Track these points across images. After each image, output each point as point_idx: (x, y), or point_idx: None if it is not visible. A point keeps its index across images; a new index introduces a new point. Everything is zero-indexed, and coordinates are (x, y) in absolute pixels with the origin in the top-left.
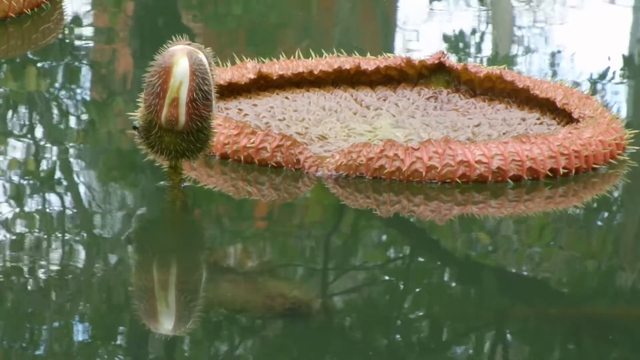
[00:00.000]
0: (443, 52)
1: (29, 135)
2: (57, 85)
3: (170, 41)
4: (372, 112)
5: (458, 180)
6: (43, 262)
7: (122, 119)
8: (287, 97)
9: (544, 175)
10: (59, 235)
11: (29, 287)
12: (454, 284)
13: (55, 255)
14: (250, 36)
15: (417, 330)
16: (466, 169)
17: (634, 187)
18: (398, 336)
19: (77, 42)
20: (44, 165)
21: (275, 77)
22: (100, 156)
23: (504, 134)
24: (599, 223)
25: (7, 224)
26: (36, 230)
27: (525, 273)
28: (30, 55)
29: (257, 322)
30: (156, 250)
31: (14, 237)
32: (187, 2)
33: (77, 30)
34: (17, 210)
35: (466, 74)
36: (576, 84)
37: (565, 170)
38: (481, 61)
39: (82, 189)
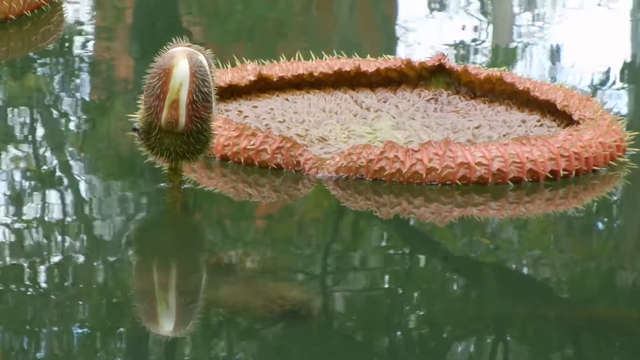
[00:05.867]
0: (443, 54)
1: (29, 137)
2: (57, 87)
3: (170, 43)
4: (372, 114)
5: (458, 182)
6: (43, 264)
7: (122, 120)
8: (287, 99)
9: (544, 177)
10: (59, 236)
11: (29, 290)
12: (454, 286)
13: (55, 257)
14: (251, 38)
15: (417, 332)
16: (466, 170)
17: (634, 189)
18: (398, 338)
19: (77, 44)
20: (44, 167)
21: (275, 79)
22: (100, 158)
23: (504, 135)
24: (599, 225)
25: (7, 226)
26: (36, 232)
27: (525, 275)
28: (30, 57)
29: (257, 324)
30: (156, 252)
31: (14, 238)
32: (188, 3)
33: (77, 32)
34: (17, 211)
35: (466, 75)
36: (576, 86)
37: (566, 172)
38: (481, 63)
39: (82, 191)
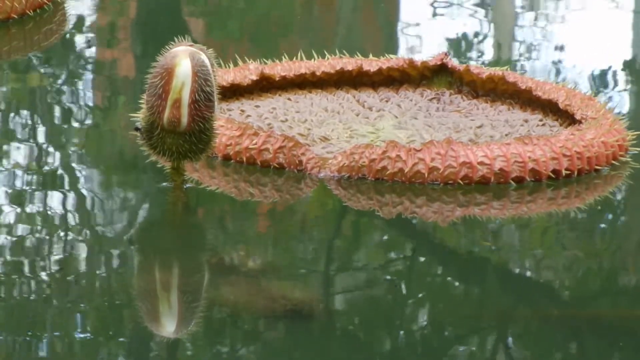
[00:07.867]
0: (445, 54)
1: (31, 137)
2: (59, 86)
3: (172, 42)
4: (375, 114)
5: (460, 181)
6: (45, 263)
7: (125, 120)
8: (289, 99)
9: (546, 177)
10: (61, 236)
11: (31, 288)
12: (456, 285)
13: (58, 256)
14: (253, 37)
15: (419, 331)
16: (468, 170)
17: (636, 188)
18: (400, 337)
19: (79, 44)
20: (46, 166)
21: (277, 79)
22: (103, 157)
23: (506, 135)
24: (601, 224)
25: (9, 225)
26: (38, 231)
27: (527, 274)
28: (32, 57)
29: (259, 323)
30: (158, 252)
31: (16, 238)
32: (190, 3)
33: (79, 32)
34: (20, 211)
35: (468, 75)
36: (578, 85)
37: (568, 172)
38: (483, 62)
39: (84, 190)
